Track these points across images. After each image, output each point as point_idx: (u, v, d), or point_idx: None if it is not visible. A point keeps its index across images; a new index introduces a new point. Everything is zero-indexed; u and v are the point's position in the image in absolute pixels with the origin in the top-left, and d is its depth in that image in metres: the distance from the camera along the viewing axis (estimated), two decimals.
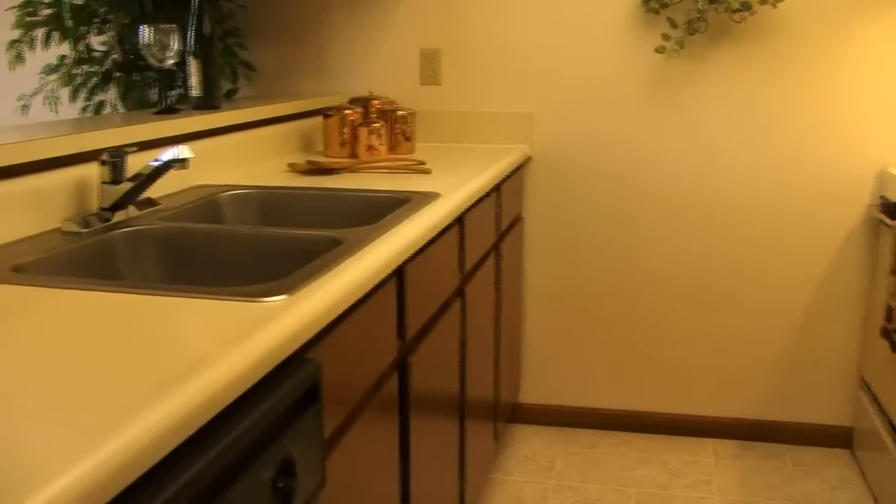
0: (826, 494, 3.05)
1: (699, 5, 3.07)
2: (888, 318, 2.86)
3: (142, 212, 1.96)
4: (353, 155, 2.92)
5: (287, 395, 1.16)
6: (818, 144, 3.21)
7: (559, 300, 3.48)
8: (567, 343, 3.51)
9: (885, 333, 2.89)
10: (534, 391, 3.57)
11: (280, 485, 1.12)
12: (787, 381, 3.40)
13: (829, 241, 3.26)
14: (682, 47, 3.16)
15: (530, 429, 3.54)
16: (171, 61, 2.40)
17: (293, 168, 2.62)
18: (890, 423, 2.92)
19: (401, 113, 3.08)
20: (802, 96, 3.19)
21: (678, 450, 3.37)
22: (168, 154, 1.84)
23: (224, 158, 2.54)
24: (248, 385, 1.07)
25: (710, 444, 3.43)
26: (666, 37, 3.13)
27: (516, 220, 3.27)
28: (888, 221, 2.95)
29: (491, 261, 2.76)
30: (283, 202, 2.27)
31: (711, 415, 3.47)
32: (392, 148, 3.07)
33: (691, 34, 3.15)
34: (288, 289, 1.35)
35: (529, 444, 3.41)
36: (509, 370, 3.27)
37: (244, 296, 1.30)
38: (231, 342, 1.10)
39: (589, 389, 3.53)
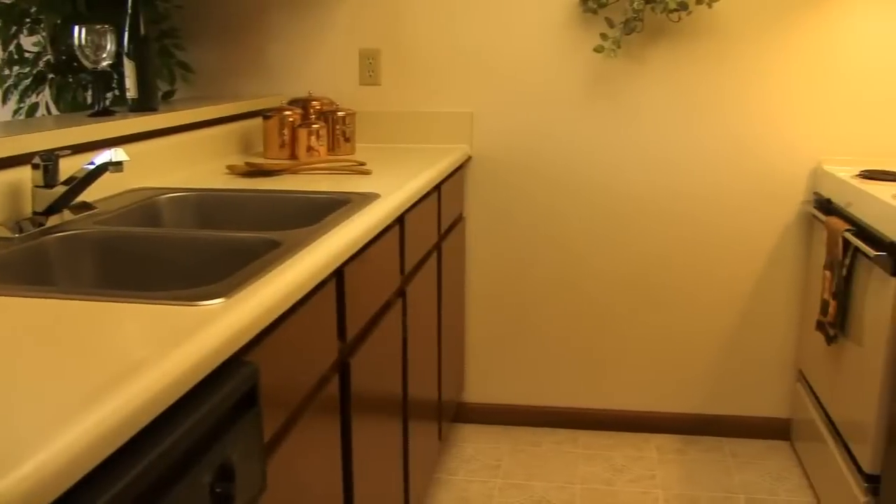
0: (766, 485, 3.10)
1: (636, 5, 3.10)
2: (823, 312, 2.91)
3: (77, 216, 1.93)
4: (293, 156, 2.91)
5: (225, 399, 1.15)
6: (753, 142, 3.26)
7: (501, 299, 3.50)
8: (510, 342, 3.52)
9: (820, 326, 2.94)
10: (478, 390, 3.58)
11: (218, 490, 1.11)
12: (727, 376, 3.45)
13: (766, 237, 3.32)
14: (619, 46, 3.19)
15: (475, 428, 3.55)
16: (106, 62, 2.36)
17: (232, 170, 2.59)
18: (826, 414, 2.97)
19: (341, 114, 3.07)
20: (738, 95, 3.24)
21: (622, 446, 3.40)
22: (102, 157, 1.82)
23: (162, 161, 2.51)
24: (185, 389, 1.06)
25: (653, 439, 3.46)
26: (604, 36, 3.16)
27: (457, 220, 3.27)
28: (822, 217, 3.00)
29: (432, 261, 2.76)
30: (221, 205, 2.25)
31: (654, 410, 3.51)
32: (332, 149, 3.06)
33: (628, 34, 3.18)
34: (225, 292, 1.33)
35: (474, 443, 3.42)
36: (453, 369, 3.27)
37: (181, 300, 1.29)
38: (167, 346, 1.09)
39: (533, 388, 3.55)
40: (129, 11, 2.56)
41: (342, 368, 1.83)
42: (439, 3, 3.30)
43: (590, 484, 3.11)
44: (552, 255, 3.43)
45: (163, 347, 1.09)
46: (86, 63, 2.34)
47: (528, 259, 3.45)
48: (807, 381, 3.23)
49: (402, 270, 2.33)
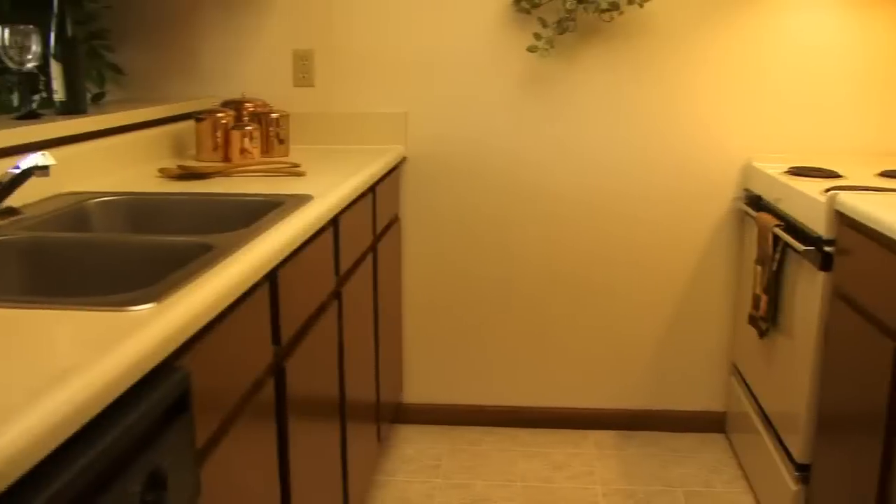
0: (702, 478, 3.15)
1: (568, 5, 3.12)
2: (755, 306, 2.96)
3: (2, 222, 1.89)
4: (227, 159, 2.88)
5: (154, 406, 1.13)
6: (685, 140, 3.31)
7: (438, 299, 3.50)
8: (448, 342, 3.53)
9: (753, 321, 2.99)
10: (417, 391, 3.58)
11: (149, 499, 1.10)
12: (663, 371, 3.49)
13: (699, 234, 3.36)
14: (552, 46, 3.21)
15: (415, 428, 3.55)
16: (32, 64, 2.32)
17: (164, 173, 2.56)
18: (759, 406, 3.03)
19: (274, 115, 3.05)
20: (669, 94, 3.28)
21: (561, 443, 3.42)
22: (28, 161, 1.78)
23: (91, 165, 2.47)
24: (114, 397, 1.04)
25: (591, 435, 3.49)
26: (537, 36, 3.18)
27: (393, 221, 3.27)
28: (752, 213, 3.05)
29: (368, 262, 2.76)
30: (153, 209, 2.22)
31: (592, 407, 3.54)
32: (266, 151, 3.04)
33: (561, 33, 3.21)
34: (155, 297, 1.32)
35: (414, 443, 3.42)
36: (391, 371, 3.27)
37: (110, 305, 1.27)
38: (95, 353, 1.07)
39: (472, 387, 3.56)
40: (55, 12, 2.51)
41: (277, 372, 1.82)
42: (373, 3, 3.29)
43: (529, 481, 3.13)
44: (488, 255, 3.44)
45: (91, 354, 1.07)
46: (10, 64, 2.29)
47: (464, 259, 3.46)
48: (740, 375, 3.29)
49: (337, 272, 2.32)
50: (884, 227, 2.08)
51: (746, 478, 3.13)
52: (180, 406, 1.23)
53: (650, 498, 3.01)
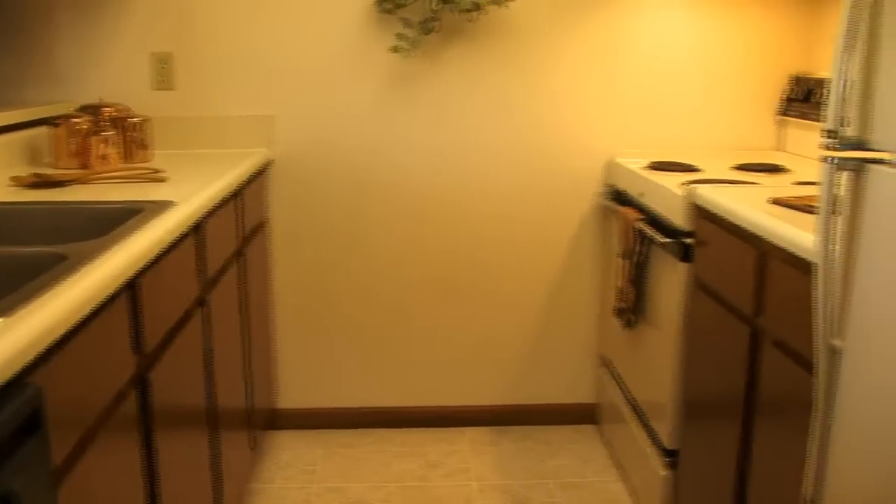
0: (576, 468, 3.21)
1: (432, 5, 3.13)
2: (620, 299, 3.03)
3: None
4: (85, 165, 2.79)
5: (3, 425, 1.09)
6: (549, 138, 3.36)
7: (309, 303, 3.47)
8: (321, 345, 3.50)
9: (619, 313, 3.06)
10: (291, 396, 3.54)
11: None
12: (535, 366, 3.54)
13: (566, 230, 3.42)
14: (415, 47, 3.22)
15: (289, 434, 3.51)
16: None
17: (17, 182, 2.46)
18: (627, 396, 3.10)
19: (134, 120, 2.96)
20: (533, 92, 3.33)
21: (436, 441, 3.44)
22: None
23: None
24: None
25: (466, 432, 3.52)
26: (401, 36, 3.18)
27: (260, 225, 3.22)
28: (616, 207, 3.13)
29: (234, 268, 2.71)
30: (4, 218, 2.13)
31: (466, 404, 3.56)
32: (127, 157, 2.95)
33: (426, 34, 3.22)
34: (5, 311, 1.26)
35: (289, 449, 3.38)
36: (263, 377, 3.22)
37: None
38: None
39: (345, 390, 3.54)
40: None
41: (141, 383, 1.77)
42: (234, 5, 3.24)
43: (405, 481, 3.13)
44: (358, 257, 3.43)
45: None
46: None
47: (334, 261, 3.43)
48: (610, 366, 3.36)
49: (201, 279, 2.27)
50: (738, 218, 2.16)
51: (618, 466, 3.20)
52: (33, 424, 1.18)
53: (525, 491, 3.05)
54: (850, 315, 1.48)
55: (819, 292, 1.54)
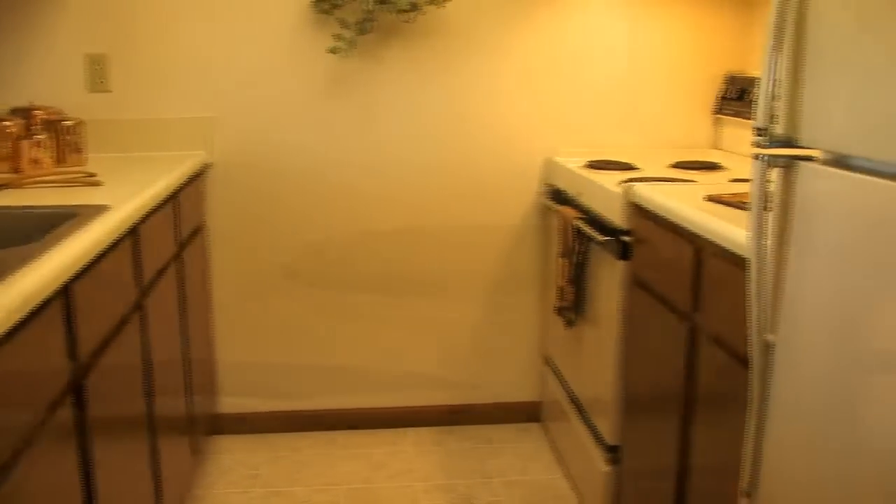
0: (519, 466, 3.22)
1: (368, 6, 3.12)
2: (561, 297, 3.05)
3: None
4: (16, 170, 2.73)
5: None
6: (488, 138, 3.37)
7: (250, 306, 3.44)
8: (261, 348, 3.47)
9: (560, 311, 3.08)
10: (233, 400, 3.50)
11: None
12: (478, 366, 3.55)
13: (507, 230, 3.44)
14: (353, 47, 3.21)
15: (232, 438, 3.48)
16: None
17: None
18: (570, 393, 3.12)
19: (68, 123, 2.91)
20: (472, 93, 3.33)
21: (380, 443, 3.43)
22: None
23: None
24: None
25: (410, 433, 3.52)
26: (338, 37, 3.17)
27: (199, 228, 3.19)
28: (555, 207, 3.15)
29: (172, 272, 2.68)
30: None
31: (410, 405, 3.56)
32: (60, 161, 2.90)
33: (363, 34, 3.21)
34: None
35: (232, 453, 3.35)
36: (204, 381, 3.19)
37: None
38: None
39: (288, 393, 3.52)
40: None
41: (76, 390, 1.74)
42: (170, 5, 3.20)
43: (350, 483, 3.12)
44: (299, 258, 3.41)
45: None
46: None
47: (275, 263, 3.41)
48: (552, 364, 3.39)
49: (138, 283, 2.24)
50: (674, 215, 2.19)
51: (561, 463, 3.22)
52: None
53: (469, 490, 3.06)
54: (782, 309, 1.51)
55: (752, 287, 1.56)
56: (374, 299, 3.46)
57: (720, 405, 1.95)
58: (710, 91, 3.42)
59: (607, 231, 2.64)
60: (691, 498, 2.13)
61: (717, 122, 3.44)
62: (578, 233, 2.87)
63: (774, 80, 1.50)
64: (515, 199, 3.42)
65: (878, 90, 1.25)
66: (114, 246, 2.02)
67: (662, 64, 3.38)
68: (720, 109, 3.36)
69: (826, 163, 1.41)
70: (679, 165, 3.02)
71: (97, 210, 2.06)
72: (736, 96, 3.24)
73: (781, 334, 1.51)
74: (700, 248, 2.06)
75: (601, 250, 2.72)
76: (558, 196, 3.21)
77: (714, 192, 2.33)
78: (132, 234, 2.19)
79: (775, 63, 1.50)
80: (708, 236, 1.98)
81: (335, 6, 3.17)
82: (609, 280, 2.65)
